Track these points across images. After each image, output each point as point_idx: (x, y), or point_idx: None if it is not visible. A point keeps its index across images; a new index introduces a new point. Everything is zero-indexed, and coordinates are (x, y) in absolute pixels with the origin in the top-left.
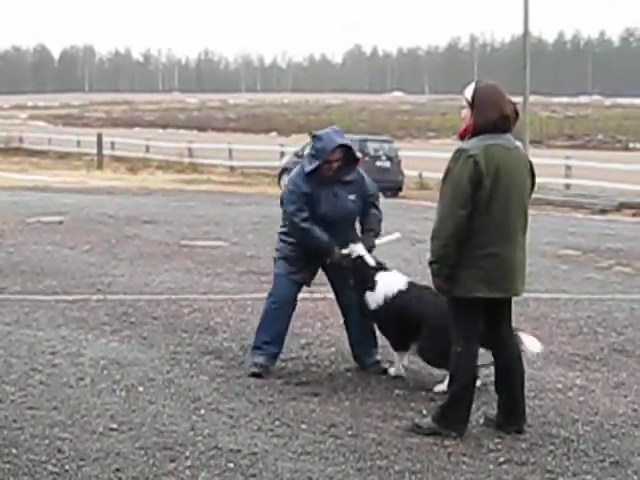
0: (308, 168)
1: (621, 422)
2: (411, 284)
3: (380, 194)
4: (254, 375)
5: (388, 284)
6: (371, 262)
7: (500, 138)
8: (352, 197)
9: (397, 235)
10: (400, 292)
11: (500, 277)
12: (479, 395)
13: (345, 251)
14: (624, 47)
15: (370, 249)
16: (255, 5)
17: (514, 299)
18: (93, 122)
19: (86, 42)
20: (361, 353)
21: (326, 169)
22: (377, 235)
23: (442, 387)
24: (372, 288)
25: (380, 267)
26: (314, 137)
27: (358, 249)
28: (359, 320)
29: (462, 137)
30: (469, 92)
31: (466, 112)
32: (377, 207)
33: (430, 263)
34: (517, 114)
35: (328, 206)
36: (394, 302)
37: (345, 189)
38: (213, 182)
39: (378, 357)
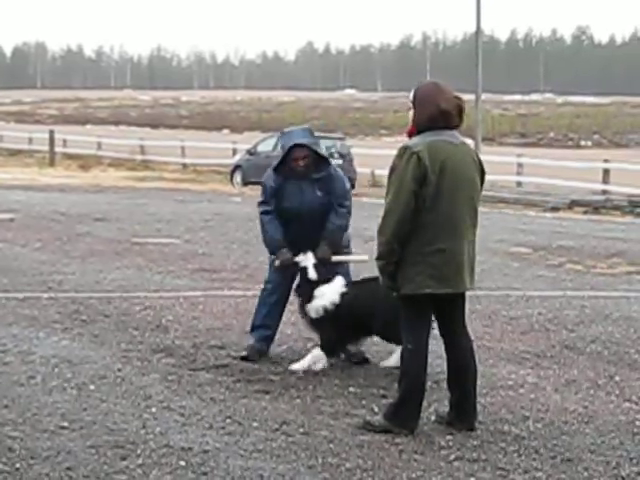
0: (274, 163)
1: (572, 419)
2: (349, 290)
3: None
4: (243, 359)
5: (325, 298)
6: (313, 276)
7: (443, 134)
8: (319, 194)
9: (364, 257)
10: (335, 305)
11: (449, 273)
12: (430, 392)
13: (296, 258)
14: (576, 45)
15: (322, 261)
16: (207, 2)
17: (465, 295)
18: (45, 119)
19: (38, 39)
20: None
21: (294, 165)
22: (334, 244)
23: (388, 362)
24: (310, 301)
25: (322, 281)
26: (281, 133)
27: (306, 260)
28: None
29: (410, 136)
30: (412, 92)
31: (412, 112)
32: (342, 210)
33: (375, 259)
34: (461, 109)
35: (293, 201)
36: (334, 312)
37: (313, 185)
38: (165, 179)
39: (361, 348)
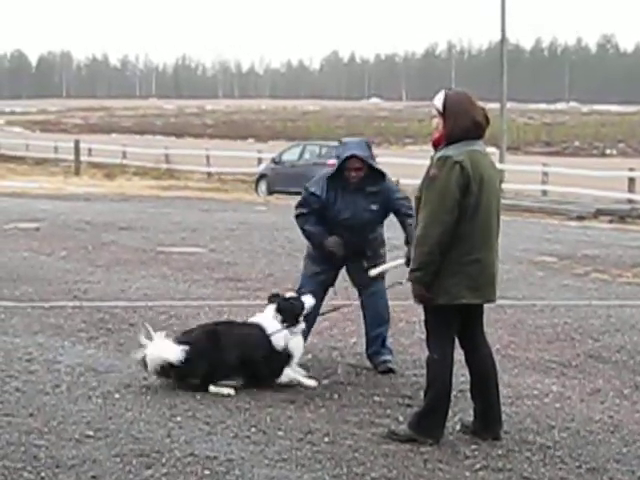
0: (329, 172)
1: (597, 428)
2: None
3: None
4: None
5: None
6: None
7: (475, 144)
8: (374, 207)
9: (400, 262)
10: None
11: (483, 283)
12: (455, 402)
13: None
14: (601, 54)
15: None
16: (232, 11)
17: (490, 305)
18: (70, 128)
19: (63, 48)
20: (372, 353)
21: (348, 176)
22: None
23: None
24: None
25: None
26: (339, 142)
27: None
28: (373, 321)
29: (435, 146)
30: (439, 101)
31: (438, 121)
32: (412, 221)
33: (412, 270)
34: (488, 120)
35: (346, 212)
36: None
37: (367, 199)
38: (190, 188)
39: (388, 357)
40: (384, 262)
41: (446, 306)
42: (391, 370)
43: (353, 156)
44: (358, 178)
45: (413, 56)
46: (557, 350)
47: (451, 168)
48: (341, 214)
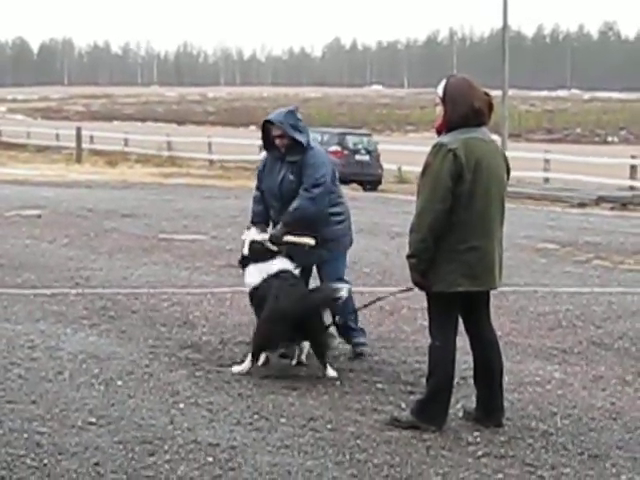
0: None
1: (599, 415)
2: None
3: (360, 186)
4: (282, 356)
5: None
6: (245, 251)
7: (476, 131)
8: (291, 177)
9: (311, 242)
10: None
11: (481, 271)
12: (458, 388)
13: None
14: (603, 41)
15: (273, 239)
16: None
17: (492, 292)
18: (72, 115)
19: (65, 35)
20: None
21: (277, 144)
22: (289, 225)
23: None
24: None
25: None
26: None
27: (247, 235)
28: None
29: (439, 132)
30: (441, 88)
31: (440, 108)
32: (305, 194)
33: (408, 257)
34: (491, 106)
35: (270, 182)
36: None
37: (288, 168)
38: (192, 176)
39: (363, 340)
40: (281, 236)
41: (446, 293)
42: (359, 354)
43: (267, 121)
44: (283, 146)
45: (415, 43)
46: (559, 337)
47: (444, 156)
48: (264, 183)
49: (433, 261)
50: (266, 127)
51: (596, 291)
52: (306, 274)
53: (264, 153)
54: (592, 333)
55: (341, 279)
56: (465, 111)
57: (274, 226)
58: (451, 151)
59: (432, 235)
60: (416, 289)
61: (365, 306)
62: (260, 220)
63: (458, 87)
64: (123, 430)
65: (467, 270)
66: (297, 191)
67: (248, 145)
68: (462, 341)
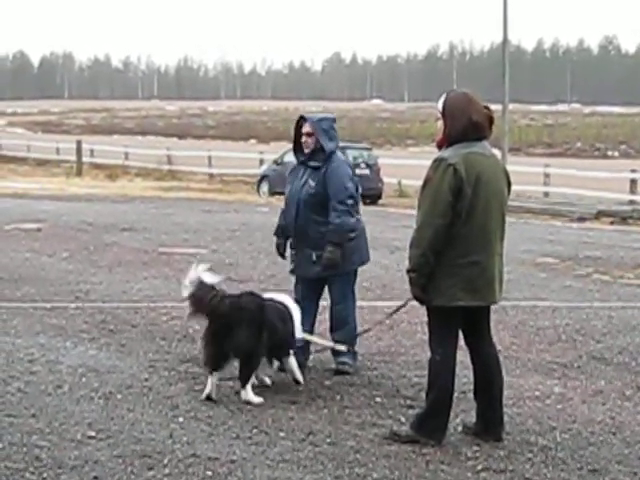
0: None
1: (599, 430)
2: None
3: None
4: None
5: None
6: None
7: (476, 146)
8: (312, 183)
9: (330, 344)
10: None
11: (481, 285)
12: (457, 403)
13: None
14: (603, 55)
15: (328, 265)
16: (235, 12)
17: (493, 307)
18: (72, 129)
19: (65, 49)
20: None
21: (303, 143)
22: (337, 245)
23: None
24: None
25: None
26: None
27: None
28: (336, 316)
29: (440, 147)
30: (440, 103)
31: (441, 123)
32: (340, 207)
33: (408, 271)
34: (492, 120)
35: (293, 186)
36: None
37: (310, 174)
38: (192, 189)
39: (346, 359)
40: (338, 257)
41: (446, 307)
42: (341, 372)
43: (302, 117)
44: (307, 147)
45: (415, 57)
46: (559, 351)
47: (444, 171)
48: (287, 188)
49: (433, 275)
50: (300, 124)
51: (596, 305)
52: (317, 291)
53: (292, 158)
54: (592, 347)
55: (346, 297)
56: (464, 125)
57: (293, 238)
58: (451, 166)
59: (432, 249)
60: (414, 302)
61: (365, 331)
62: (282, 236)
63: (457, 102)
64: (122, 444)
65: (467, 284)
66: (315, 197)
67: (248, 159)
68: (462, 355)
